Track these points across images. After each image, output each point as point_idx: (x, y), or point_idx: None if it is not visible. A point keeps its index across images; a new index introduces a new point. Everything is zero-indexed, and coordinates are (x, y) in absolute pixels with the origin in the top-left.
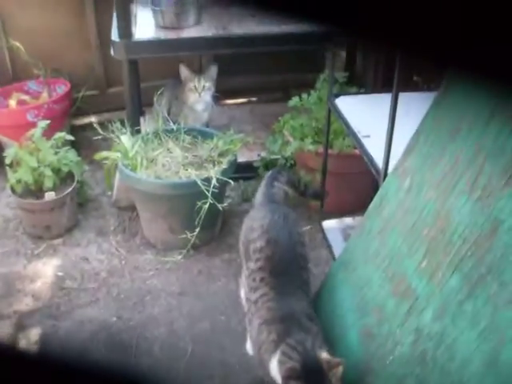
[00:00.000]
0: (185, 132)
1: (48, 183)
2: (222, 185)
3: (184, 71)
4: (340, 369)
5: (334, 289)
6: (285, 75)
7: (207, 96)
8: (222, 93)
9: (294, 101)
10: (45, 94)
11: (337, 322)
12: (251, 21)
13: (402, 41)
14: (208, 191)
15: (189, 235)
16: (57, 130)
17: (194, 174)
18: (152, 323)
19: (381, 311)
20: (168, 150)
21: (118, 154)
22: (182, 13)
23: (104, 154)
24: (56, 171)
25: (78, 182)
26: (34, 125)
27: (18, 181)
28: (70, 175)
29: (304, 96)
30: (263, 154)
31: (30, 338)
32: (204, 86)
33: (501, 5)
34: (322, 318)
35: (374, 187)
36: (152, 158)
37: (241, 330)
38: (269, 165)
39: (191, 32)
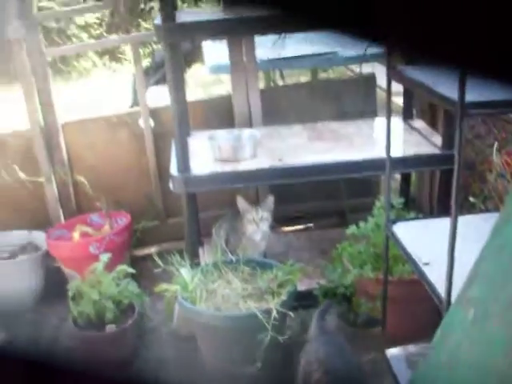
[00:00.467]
0: (244, 263)
1: (109, 315)
2: (282, 316)
3: (241, 203)
4: None
5: None
6: (340, 200)
7: (265, 226)
8: (278, 220)
9: (352, 229)
10: (107, 226)
11: None
12: (306, 151)
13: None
14: (268, 323)
15: (250, 368)
16: (118, 261)
17: (253, 306)
18: None
19: None
20: (227, 281)
21: (178, 287)
22: (239, 146)
23: (164, 286)
24: (117, 303)
25: (138, 313)
26: (96, 257)
27: (80, 313)
28: (130, 307)
29: (361, 223)
30: (322, 282)
31: None
32: (262, 217)
33: None
34: None
35: (437, 314)
36: (212, 290)
37: None
38: (328, 293)
39: (248, 165)
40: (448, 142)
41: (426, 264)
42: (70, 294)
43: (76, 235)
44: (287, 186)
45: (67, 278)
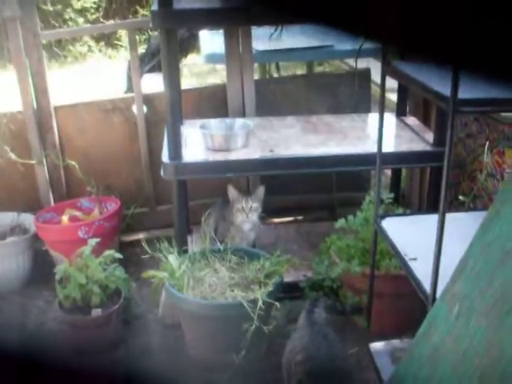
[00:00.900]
0: (231, 252)
1: (95, 299)
2: (268, 306)
3: (232, 192)
4: None
5: None
6: (330, 194)
7: (254, 216)
8: (268, 212)
9: (340, 222)
10: (96, 211)
11: None
12: (297, 143)
13: None
14: (254, 313)
15: (234, 357)
16: (106, 247)
17: (240, 296)
18: None
19: None
20: (215, 270)
21: (165, 274)
22: (231, 136)
23: (151, 272)
24: (103, 288)
25: (124, 298)
26: (84, 241)
27: (67, 296)
28: (117, 292)
29: (350, 217)
30: (309, 274)
31: None
32: (252, 207)
33: None
34: None
35: (422, 308)
36: (199, 278)
37: None
38: (315, 285)
39: (239, 154)
40: (440, 140)
41: (413, 259)
42: (57, 277)
43: (65, 219)
44: (278, 177)
45: (55, 262)
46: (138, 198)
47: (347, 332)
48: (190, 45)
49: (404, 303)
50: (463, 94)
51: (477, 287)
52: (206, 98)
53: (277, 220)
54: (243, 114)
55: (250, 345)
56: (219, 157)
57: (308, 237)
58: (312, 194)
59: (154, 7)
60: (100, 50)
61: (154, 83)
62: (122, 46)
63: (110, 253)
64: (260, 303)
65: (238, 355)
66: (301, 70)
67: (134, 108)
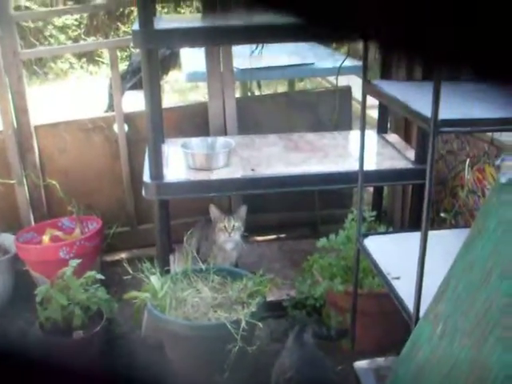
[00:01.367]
0: (214, 272)
1: (77, 321)
2: (252, 327)
3: (214, 211)
4: None
5: None
6: (312, 212)
7: (237, 236)
8: (250, 229)
9: (322, 241)
10: (77, 231)
11: None
12: (279, 162)
13: None
14: (237, 334)
15: (218, 377)
16: (88, 267)
17: (223, 317)
18: None
19: None
20: (197, 290)
21: (147, 295)
22: (213, 155)
23: (133, 293)
24: (85, 309)
25: (106, 319)
26: (65, 262)
27: (47, 318)
28: (99, 313)
29: (332, 236)
30: (292, 293)
31: None
32: (234, 226)
33: None
34: None
35: (406, 327)
36: (181, 298)
37: None
38: (298, 304)
39: (221, 173)
40: (421, 157)
41: (396, 278)
42: (38, 298)
43: (46, 239)
44: (260, 195)
45: (36, 282)
46: (119, 217)
47: (330, 350)
48: (171, 62)
49: (387, 321)
50: (444, 114)
51: (460, 307)
52: (187, 116)
53: (259, 238)
54: (225, 132)
55: (233, 365)
56: (201, 176)
57: (291, 255)
58: (294, 211)
59: (135, 27)
60: (81, 67)
61: (136, 100)
62: (103, 62)
63: (92, 274)
64: (243, 324)
65: (222, 375)
66: (282, 86)
67: (115, 127)
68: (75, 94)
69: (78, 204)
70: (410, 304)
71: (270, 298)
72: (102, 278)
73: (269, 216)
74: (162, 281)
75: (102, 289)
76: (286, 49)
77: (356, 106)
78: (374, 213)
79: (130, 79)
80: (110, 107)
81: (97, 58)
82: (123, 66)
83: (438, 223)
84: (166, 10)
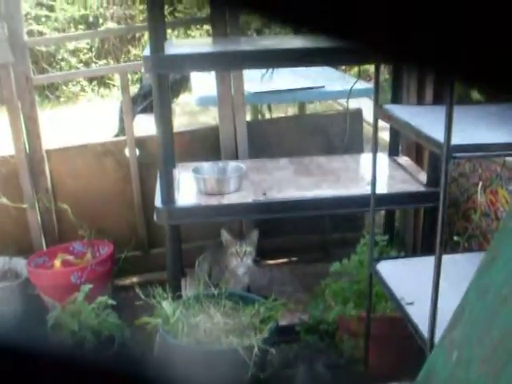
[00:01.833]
0: (226, 297)
1: (88, 346)
2: (264, 352)
3: (225, 236)
4: None
5: None
6: (324, 235)
7: (249, 260)
8: (262, 253)
9: (335, 266)
10: (89, 255)
11: None
12: (291, 186)
13: None
14: (250, 359)
15: None
16: (99, 291)
17: (235, 342)
18: None
19: None
20: (209, 315)
21: (159, 320)
22: (224, 180)
23: (145, 319)
24: (96, 334)
25: (117, 344)
26: (77, 286)
27: None
28: (110, 338)
29: (345, 261)
30: (304, 317)
31: None
32: (246, 251)
33: None
34: None
35: (421, 352)
36: (193, 324)
37: None
38: (311, 329)
39: (232, 198)
40: (433, 180)
41: (410, 304)
42: (49, 324)
43: (57, 263)
44: (271, 218)
45: (47, 307)
46: (130, 241)
47: (343, 376)
48: (181, 86)
49: (401, 346)
50: (456, 138)
51: (475, 334)
52: (198, 140)
53: (271, 262)
54: (236, 156)
55: None
56: (212, 201)
57: (303, 278)
58: (306, 234)
59: (146, 52)
60: (92, 90)
61: (146, 124)
62: (114, 85)
63: (103, 299)
64: (256, 350)
65: None
66: (292, 109)
67: (127, 151)
68: (86, 117)
69: (90, 228)
70: (424, 329)
71: (282, 322)
72: (114, 303)
73: (280, 239)
74: (174, 306)
75: (114, 314)
76: (296, 72)
77: (367, 128)
78: (386, 237)
79: (141, 103)
80: (121, 131)
81: (108, 81)
82: (134, 89)
83: (450, 246)
84: (176, 32)
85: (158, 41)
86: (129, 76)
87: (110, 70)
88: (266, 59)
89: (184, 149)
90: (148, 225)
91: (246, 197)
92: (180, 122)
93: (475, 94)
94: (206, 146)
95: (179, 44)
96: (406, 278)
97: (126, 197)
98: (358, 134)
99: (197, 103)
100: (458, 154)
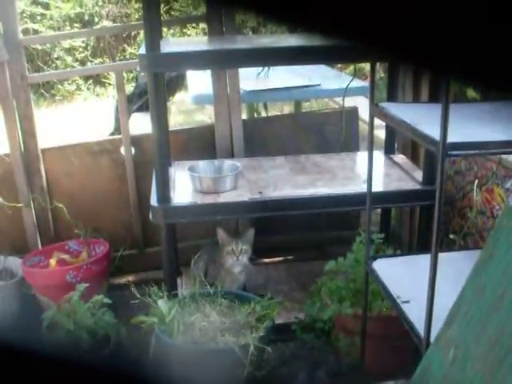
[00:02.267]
0: (222, 296)
1: (83, 346)
2: (260, 350)
3: (221, 235)
4: None
5: None
6: (320, 233)
7: (245, 259)
8: (258, 251)
9: (330, 264)
10: (84, 254)
11: None
12: (287, 184)
13: None
14: (245, 358)
15: None
16: (95, 290)
17: (231, 341)
18: None
19: None
20: (205, 314)
21: (155, 319)
22: (220, 178)
23: (141, 318)
24: (92, 334)
25: (113, 344)
26: (72, 286)
27: None
28: (106, 337)
29: (340, 259)
30: (300, 315)
31: None
32: (241, 249)
33: None
34: None
35: (416, 350)
36: (189, 322)
37: None
38: (307, 327)
39: (228, 197)
40: (429, 178)
41: (406, 302)
42: (45, 323)
43: (53, 262)
44: (267, 217)
45: (42, 306)
46: (126, 240)
47: (339, 374)
48: (177, 84)
49: (397, 344)
50: (452, 136)
51: (471, 332)
52: (194, 138)
53: (267, 260)
54: (231, 155)
55: None
56: (208, 199)
57: (298, 277)
58: (302, 233)
59: (142, 50)
60: (88, 88)
61: (142, 123)
62: (110, 84)
63: (99, 298)
64: (252, 348)
65: None
66: (288, 107)
67: (122, 150)
68: (82, 116)
69: (85, 227)
70: (420, 328)
71: (278, 321)
72: (109, 302)
73: (276, 238)
74: (170, 305)
75: (109, 313)
76: (292, 70)
77: (363, 127)
78: (382, 235)
79: (137, 101)
80: (117, 129)
81: (103, 80)
82: (130, 88)
83: (446, 244)
84: (172, 31)
85: (153, 39)
86: (124, 74)
87: (106, 68)
88: (261, 57)
89: (180, 147)
90: (144, 223)
91: (242, 195)
92: (176, 121)
93: (471, 92)
94: (201, 144)
95: (175, 42)
96: (402, 276)
97: (122, 195)
98: (354, 132)
99: (193, 101)
100: (453, 152)
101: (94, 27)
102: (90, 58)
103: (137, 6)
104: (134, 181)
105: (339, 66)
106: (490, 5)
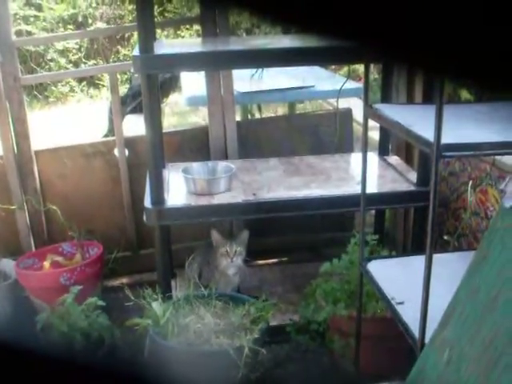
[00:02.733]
0: (216, 298)
1: (77, 349)
2: (255, 353)
3: (216, 236)
4: None
5: None
6: (314, 235)
7: (239, 260)
8: (252, 253)
9: (325, 266)
10: (78, 256)
11: None
12: (281, 186)
13: None
14: (240, 360)
15: None
16: (89, 292)
17: (225, 343)
18: None
19: None
20: (199, 316)
21: (149, 321)
22: (214, 180)
23: (135, 320)
24: (86, 336)
25: (107, 346)
26: (66, 288)
27: None
28: (100, 339)
29: (335, 260)
30: (295, 317)
31: None
32: (236, 251)
33: None
34: None
35: (411, 351)
36: (183, 324)
37: None
38: (301, 329)
39: (222, 198)
40: (423, 179)
41: (400, 303)
42: (39, 326)
43: (47, 264)
44: (262, 218)
45: (36, 309)
46: (120, 241)
47: (333, 373)
48: (171, 85)
49: (392, 346)
50: (446, 137)
51: (466, 333)
52: (188, 140)
53: (261, 262)
54: (225, 156)
55: None
56: (202, 201)
57: (293, 278)
58: (296, 234)
59: (135, 52)
60: (82, 90)
61: (136, 124)
62: (103, 85)
63: (93, 300)
64: (246, 350)
65: None
66: (282, 108)
67: (116, 151)
68: (75, 118)
69: (79, 229)
70: (414, 329)
71: (272, 323)
72: (103, 304)
73: (270, 240)
74: (164, 307)
75: (103, 315)
76: (286, 72)
77: (357, 128)
78: (377, 236)
79: (130, 103)
80: (110, 131)
81: (97, 82)
82: (123, 89)
83: (440, 245)
84: (165, 33)
85: (147, 41)
86: (118, 76)
87: (99, 70)
88: (255, 59)
89: (174, 149)
90: (137, 225)
91: (236, 197)
92: (170, 122)
93: (465, 93)
94: (195, 146)
95: (169, 44)
96: (397, 277)
97: (116, 197)
98: (348, 133)
99: (186, 103)
100: (447, 153)
101: (88, 29)
102: (83, 60)
103: (130, 7)
104: (128, 183)
105: (333, 67)
106: (486, 4)
